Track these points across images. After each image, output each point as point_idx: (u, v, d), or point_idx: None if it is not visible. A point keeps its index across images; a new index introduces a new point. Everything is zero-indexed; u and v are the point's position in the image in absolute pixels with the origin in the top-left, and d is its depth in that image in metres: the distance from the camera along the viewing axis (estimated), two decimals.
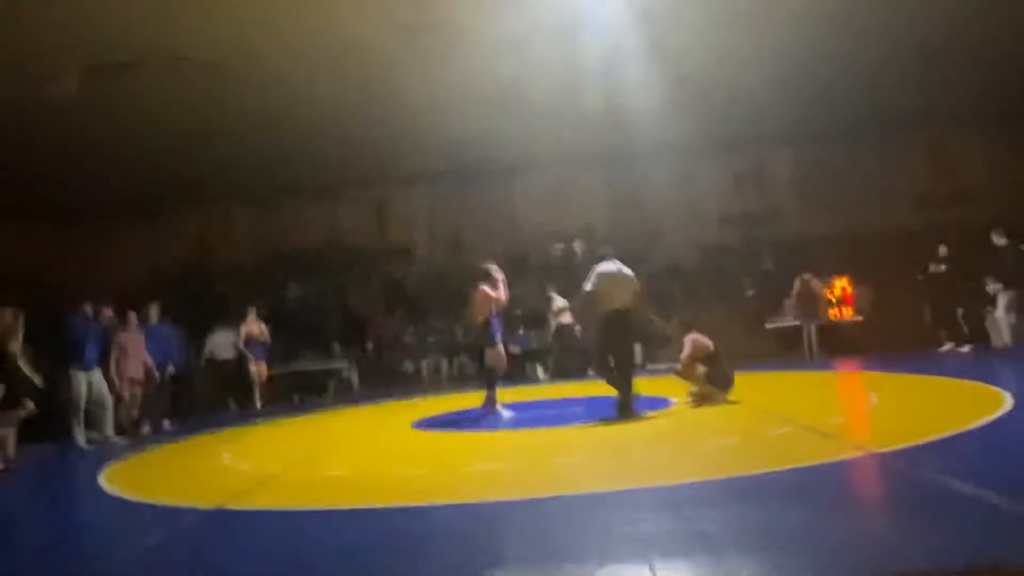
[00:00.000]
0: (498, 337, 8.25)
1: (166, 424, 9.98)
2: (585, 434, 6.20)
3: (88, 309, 8.81)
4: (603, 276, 7.02)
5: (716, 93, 13.32)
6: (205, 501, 4.44)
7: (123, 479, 5.87)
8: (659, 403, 7.63)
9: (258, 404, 11.94)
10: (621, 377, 6.81)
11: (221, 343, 12.10)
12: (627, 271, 7.12)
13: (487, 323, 8.14)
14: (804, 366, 11.76)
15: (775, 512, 3.16)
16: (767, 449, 4.69)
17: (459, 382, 13.41)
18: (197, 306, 14.10)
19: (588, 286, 7.06)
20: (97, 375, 8.66)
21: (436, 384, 13.83)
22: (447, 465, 5.39)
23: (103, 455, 7.49)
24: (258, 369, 12.03)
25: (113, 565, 3.23)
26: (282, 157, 14.92)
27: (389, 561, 2.96)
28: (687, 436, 5.68)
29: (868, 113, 15.09)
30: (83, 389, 8.41)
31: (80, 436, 8.35)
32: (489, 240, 16.63)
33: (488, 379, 8.15)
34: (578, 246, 16.85)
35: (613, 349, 6.98)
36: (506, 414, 7.77)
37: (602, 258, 7.30)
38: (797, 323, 13.67)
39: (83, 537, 4.23)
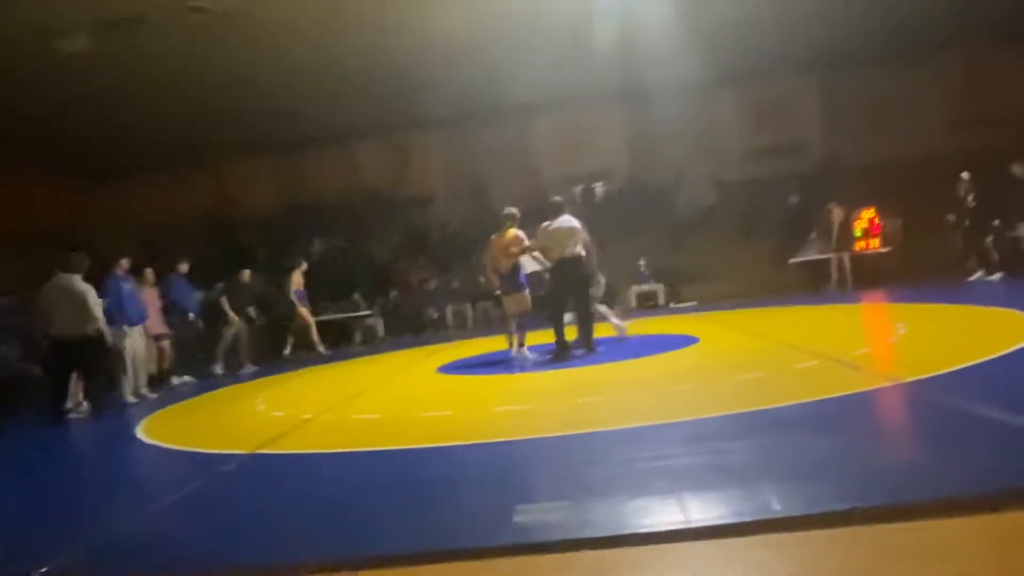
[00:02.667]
0: (525, 281, 8.22)
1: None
2: (609, 373, 6.24)
3: (125, 265, 8.84)
4: (544, 231, 7.63)
5: (734, 20, 12.84)
6: (242, 447, 4.56)
7: (162, 429, 6.07)
8: (684, 341, 7.63)
9: (320, 348, 12.23)
10: (556, 319, 7.48)
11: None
12: (573, 223, 7.56)
13: (515, 268, 8.08)
14: (831, 299, 11.64)
15: (803, 443, 3.17)
16: (794, 382, 4.68)
17: (483, 327, 13.50)
18: (220, 257, 14.27)
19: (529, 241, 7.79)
20: (138, 331, 8.85)
21: (460, 330, 13.94)
22: (474, 407, 5.47)
23: (142, 408, 7.72)
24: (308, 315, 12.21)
25: (155, 510, 3.35)
26: (300, 106, 14.82)
27: (421, 498, 3.03)
28: (712, 372, 5.69)
29: (896, 35, 14.49)
30: (131, 345, 8.60)
31: (128, 390, 8.58)
32: (508, 184, 16.49)
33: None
34: (599, 188, 16.65)
35: (562, 294, 7.67)
36: (531, 357, 7.79)
37: (556, 209, 7.66)
38: (824, 256, 13.50)
39: (125, 484, 4.40)
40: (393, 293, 15.58)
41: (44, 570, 2.54)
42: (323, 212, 18.07)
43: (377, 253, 17.27)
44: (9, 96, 11.92)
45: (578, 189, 17.76)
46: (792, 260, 14.30)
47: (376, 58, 12.83)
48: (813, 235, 13.88)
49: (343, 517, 2.94)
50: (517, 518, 2.54)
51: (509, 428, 4.31)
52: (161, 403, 8.10)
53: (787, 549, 2.08)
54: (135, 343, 8.76)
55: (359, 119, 16.45)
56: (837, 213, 13.17)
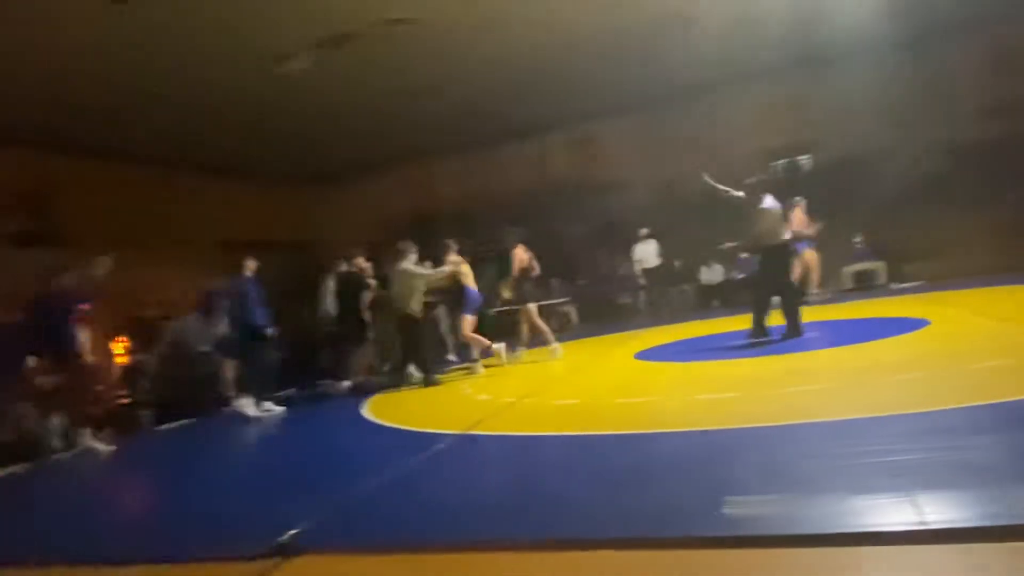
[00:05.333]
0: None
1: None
2: (823, 360, 5.79)
3: (252, 267, 8.80)
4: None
5: None
6: (453, 427, 4.88)
7: (384, 410, 6.67)
8: (911, 324, 6.86)
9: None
10: (759, 304, 7.23)
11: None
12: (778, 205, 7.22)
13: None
14: None
15: None
16: None
17: (679, 313, 13.16)
18: (425, 250, 15.29)
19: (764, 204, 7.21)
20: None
21: (655, 316, 13.70)
22: (675, 394, 5.36)
23: (365, 391, 8.52)
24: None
25: (379, 484, 3.69)
26: (492, 105, 15.42)
27: (622, 484, 3.04)
28: (946, 359, 5.05)
29: None
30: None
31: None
32: (700, 165, 15.86)
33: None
34: (805, 160, 15.47)
35: (769, 279, 7.32)
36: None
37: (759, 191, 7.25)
38: None
39: (354, 458, 4.90)
40: (586, 281, 15.71)
41: (293, 532, 2.91)
42: (515, 204, 18.68)
43: (569, 241, 17.51)
44: (237, 114, 13.73)
45: (780, 164, 16.64)
46: None
47: (560, 51, 12.96)
48: None
49: (546, 499, 3.03)
50: (725, 510, 2.45)
51: (713, 416, 4.16)
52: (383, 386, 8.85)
53: None
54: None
55: (546, 113, 16.77)
56: None
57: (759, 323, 7.15)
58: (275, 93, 12.84)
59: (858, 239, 13.61)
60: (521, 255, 9.45)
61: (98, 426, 7.32)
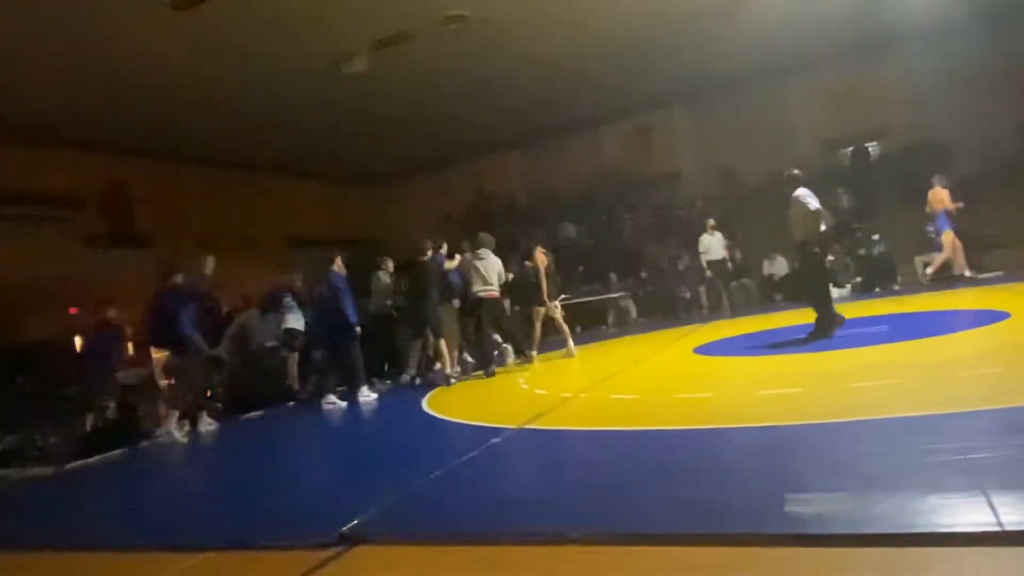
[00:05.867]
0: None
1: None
2: (893, 355, 5.57)
3: (340, 263, 8.91)
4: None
5: None
6: (510, 422, 4.91)
7: (443, 404, 6.76)
8: (990, 316, 6.54)
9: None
10: (817, 295, 6.89)
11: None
12: (810, 199, 6.73)
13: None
14: None
15: None
16: None
17: (741, 308, 12.87)
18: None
19: (815, 203, 6.71)
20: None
21: (716, 310, 13.44)
22: (736, 389, 5.26)
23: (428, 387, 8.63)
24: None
25: (437, 476, 3.74)
26: (546, 98, 15.40)
27: (682, 479, 3.00)
28: None
29: None
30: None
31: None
32: (760, 154, 15.49)
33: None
34: (873, 148, 14.91)
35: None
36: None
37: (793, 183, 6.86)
38: None
39: (418, 450, 4.99)
40: (644, 274, 15.54)
41: (354, 523, 2.99)
42: (572, 197, 18.62)
43: (627, 235, 17.34)
44: (301, 116, 14.09)
45: (848, 152, 16.09)
46: None
47: (613, 42, 12.82)
48: None
49: (605, 493, 3.02)
50: (789, 507, 2.40)
51: (775, 412, 4.06)
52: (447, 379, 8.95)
53: None
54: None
55: (601, 105, 16.63)
56: None
57: (828, 316, 6.73)
58: (336, 95, 13.14)
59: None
60: (541, 258, 9.49)
61: (185, 415, 7.75)
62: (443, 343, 8.65)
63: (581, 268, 16.00)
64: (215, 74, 11.51)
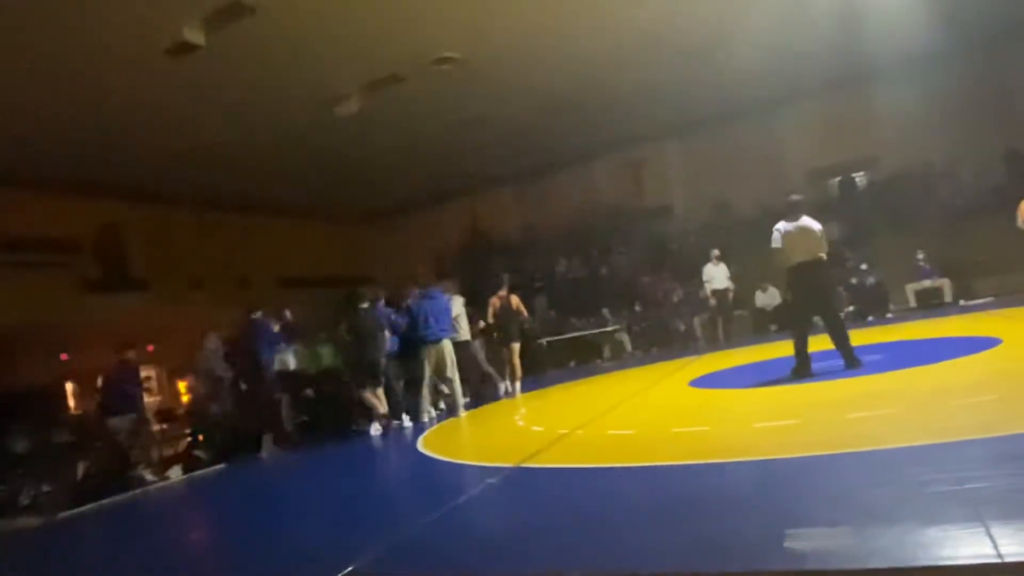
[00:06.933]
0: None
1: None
2: (887, 384, 5.56)
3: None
4: (783, 235, 6.67)
5: None
6: (506, 460, 4.87)
7: (438, 442, 6.71)
8: (981, 343, 6.56)
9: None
10: (798, 333, 6.58)
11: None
12: (814, 224, 6.63)
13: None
14: None
15: None
16: None
17: (735, 339, 12.89)
18: (476, 280, 15.42)
19: (773, 243, 6.71)
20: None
21: (710, 342, 13.45)
22: (733, 422, 5.24)
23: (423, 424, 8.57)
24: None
25: (433, 518, 3.70)
26: (537, 134, 15.61)
27: (681, 516, 2.98)
28: (1020, 380, 4.81)
29: None
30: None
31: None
32: (751, 185, 15.68)
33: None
34: (860, 178, 15.11)
35: (803, 303, 6.72)
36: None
37: (794, 209, 6.75)
38: None
39: (410, 493, 4.93)
40: (638, 307, 15.56)
41: (349, 570, 2.94)
42: (565, 231, 18.74)
43: (620, 268, 17.41)
44: (294, 157, 14.26)
45: (835, 181, 16.30)
46: None
47: (606, 77, 13.08)
48: None
49: (604, 532, 2.99)
50: (788, 543, 2.38)
51: (772, 445, 4.05)
52: (440, 416, 8.91)
53: None
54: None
55: (592, 140, 16.88)
56: None
57: (803, 357, 6.49)
58: (329, 135, 13.30)
59: (920, 256, 13.13)
60: (496, 301, 9.86)
61: (174, 461, 7.85)
62: (379, 390, 8.58)
63: (573, 302, 16.04)
64: (208, 119, 11.67)
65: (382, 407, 8.46)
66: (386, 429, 8.33)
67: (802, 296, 6.72)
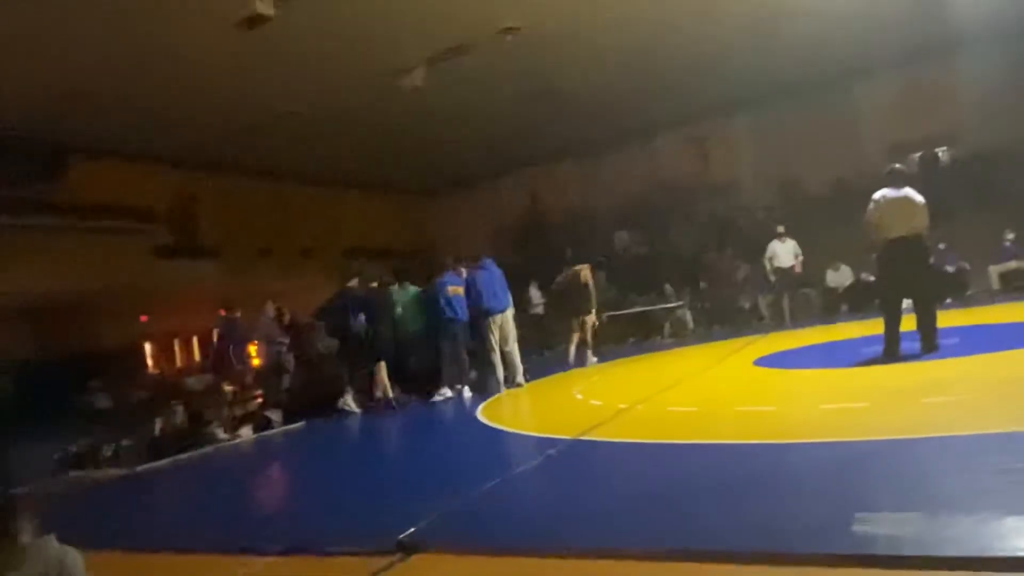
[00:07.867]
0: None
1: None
2: (964, 369, 5.34)
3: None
4: (879, 205, 6.19)
5: None
6: (565, 432, 4.89)
7: (497, 413, 6.79)
8: None
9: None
10: (891, 312, 6.19)
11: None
12: (916, 196, 6.14)
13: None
14: None
15: None
16: None
17: (803, 319, 12.51)
18: (535, 256, 15.44)
19: (868, 214, 6.25)
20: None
21: (776, 321, 13.10)
22: (799, 403, 5.12)
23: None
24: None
25: (492, 487, 3.76)
26: (602, 108, 15.35)
27: (743, 496, 2.94)
28: None
29: None
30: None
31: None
32: (821, 161, 15.11)
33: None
34: (942, 153, 14.33)
35: (898, 280, 6.25)
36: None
37: (896, 179, 6.30)
38: None
39: (470, 461, 5.02)
40: (703, 284, 15.25)
41: (411, 531, 3.03)
42: (626, 206, 18.46)
43: (683, 244, 17.07)
44: (361, 129, 14.42)
45: (915, 157, 15.49)
46: None
47: (670, 50, 12.71)
48: None
49: (663, 508, 2.99)
50: (856, 527, 2.32)
51: (840, 427, 3.95)
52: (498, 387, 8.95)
53: None
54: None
55: (658, 113, 16.48)
56: None
57: (895, 337, 6.15)
58: (395, 108, 13.39)
59: (1009, 236, 12.41)
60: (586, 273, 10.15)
61: (245, 420, 8.41)
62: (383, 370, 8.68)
63: (634, 278, 15.84)
64: (277, 91, 11.91)
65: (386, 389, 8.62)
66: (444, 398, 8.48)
67: (898, 274, 6.25)
